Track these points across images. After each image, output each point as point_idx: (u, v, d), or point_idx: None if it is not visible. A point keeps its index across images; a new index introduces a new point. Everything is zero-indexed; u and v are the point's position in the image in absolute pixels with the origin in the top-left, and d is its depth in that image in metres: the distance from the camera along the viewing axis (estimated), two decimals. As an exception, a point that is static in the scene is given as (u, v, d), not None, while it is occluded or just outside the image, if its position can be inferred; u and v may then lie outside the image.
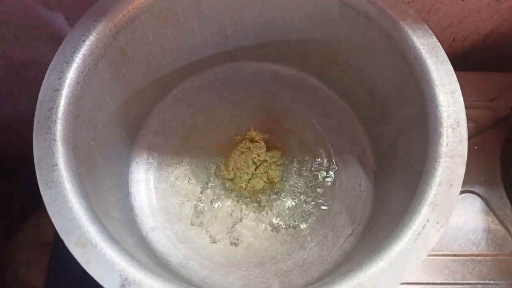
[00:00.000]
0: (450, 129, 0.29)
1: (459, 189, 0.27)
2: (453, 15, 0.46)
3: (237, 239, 0.39)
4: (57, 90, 0.29)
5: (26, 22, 0.43)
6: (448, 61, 0.31)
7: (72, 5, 0.41)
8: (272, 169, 0.41)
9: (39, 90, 0.30)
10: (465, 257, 0.41)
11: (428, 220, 0.26)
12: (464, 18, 0.47)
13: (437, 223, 0.26)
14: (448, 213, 0.27)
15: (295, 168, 0.42)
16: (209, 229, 0.39)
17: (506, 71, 0.49)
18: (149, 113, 0.43)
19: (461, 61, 0.53)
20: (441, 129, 0.29)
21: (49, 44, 0.47)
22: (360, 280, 0.25)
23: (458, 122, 0.29)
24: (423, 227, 0.26)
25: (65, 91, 0.29)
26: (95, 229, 0.26)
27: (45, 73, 0.30)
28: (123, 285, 0.24)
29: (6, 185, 0.67)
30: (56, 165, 0.27)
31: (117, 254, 0.25)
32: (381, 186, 0.39)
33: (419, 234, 0.26)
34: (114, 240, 0.26)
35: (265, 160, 0.41)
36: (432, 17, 0.46)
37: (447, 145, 0.28)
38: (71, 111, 0.29)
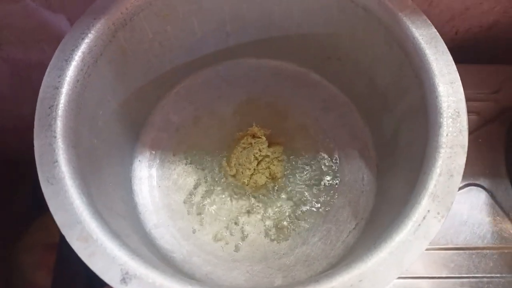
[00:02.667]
0: (450, 120, 0.29)
1: (460, 179, 0.27)
2: (455, 8, 0.46)
3: (240, 234, 0.39)
4: (57, 88, 0.29)
5: (29, 24, 0.43)
6: (448, 51, 0.31)
7: (74, 6, 0.41)
8: (274, 165, 0.41)
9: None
10: (470, 251, 0.41)
11: (428, 211, 0.26)
12: (465, 10, 0.47)
13: (438, 213, 0.26)
14: (449, 203, 0.26)
15: (297, 164, 0.42)
16: (212, 225, 0.39)
17: (509, 63, 0.48)
18: (151, 111, 0.43)
19: (464, 54, 0.52)
20: (441, 119, 0.29)
21: (53, 45, 0.47)
22: (361, 271, 0.25)
23: (458, 112, 0.29)
24: (424, 217, 0.26)
25: (65, 88, 0.29)
26: (96, 224, 0.26)
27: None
28: (123, 279, 0.24)
29: (12, 188, 0.67)
30: (56, 161, 0.27)
31: (118, 248, 0.25)
32: (383, 179, 0.39)
33: (419, 225, 0.26)
34: (115, 234, 0.26)
35: (267, 156, 0.41)
36: (434, 10, 0.46)
37: (447, 135, 0.28)
38: (72, 108, 0.30)
